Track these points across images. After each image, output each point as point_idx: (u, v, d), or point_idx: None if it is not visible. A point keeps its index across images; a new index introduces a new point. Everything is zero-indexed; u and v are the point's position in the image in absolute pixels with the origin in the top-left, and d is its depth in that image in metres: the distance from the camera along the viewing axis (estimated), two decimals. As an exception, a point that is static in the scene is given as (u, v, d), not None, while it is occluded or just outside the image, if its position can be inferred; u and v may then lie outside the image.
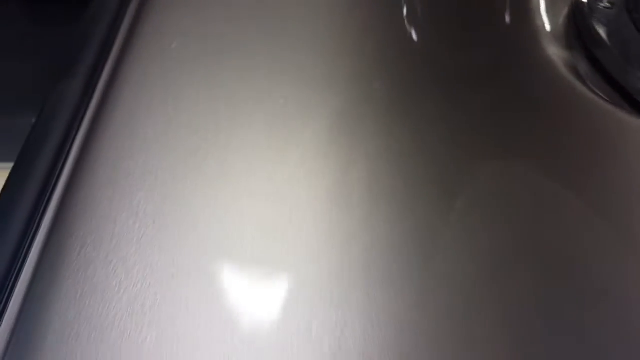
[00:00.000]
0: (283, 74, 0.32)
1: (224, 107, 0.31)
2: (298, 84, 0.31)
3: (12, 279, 0.26)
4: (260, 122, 0.30)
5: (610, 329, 0.24)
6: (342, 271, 0.25)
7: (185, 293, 0.25)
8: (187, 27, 0.35)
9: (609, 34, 0.32)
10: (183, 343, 0.23)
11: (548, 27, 0.34)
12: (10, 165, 0.30)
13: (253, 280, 0.25)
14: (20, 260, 0.26)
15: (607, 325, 0.24)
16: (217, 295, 0.25)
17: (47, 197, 0.28)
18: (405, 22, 0.35)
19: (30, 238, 0.26)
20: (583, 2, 0.34)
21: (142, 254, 0.26)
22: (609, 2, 0.33)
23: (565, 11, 0.35)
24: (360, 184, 0.27)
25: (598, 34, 0.32)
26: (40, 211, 0.28)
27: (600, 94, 0.30)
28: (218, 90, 0.31)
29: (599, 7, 0.33)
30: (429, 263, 0.25)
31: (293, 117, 0.30)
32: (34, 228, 0.27)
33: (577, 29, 0.33)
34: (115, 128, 0.30)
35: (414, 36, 0.35)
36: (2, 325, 0.24)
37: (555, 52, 0.32)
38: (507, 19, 0.35)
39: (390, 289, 0.24)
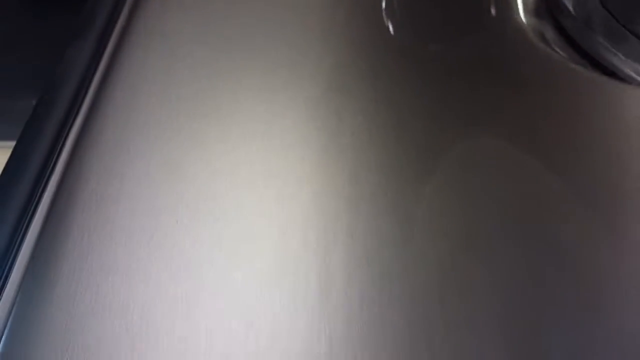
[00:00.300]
0: (275, 67, 0.34)
1: (222, 71, 0.33)
2: (290, 77, 0.33)
3: (26, 221, 0.28)
4: (261, 112, 0.32)
5: (588, 303, 0.25)
6: (326, 237, 0.27)
7: (187, 227, 0.27)
8: (187, 10, 0.37)
9: (574, 6, 0.35)
10: (186, 265, 0.26)
11: (520, 1, 0.37)
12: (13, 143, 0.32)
13: (249, 220, 0.28)
14: (34, 203, 0.28)
15: (585, 300, 0.25)
16: (216, 230, 0.27)
17: (57, 153, 0.30)
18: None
19: (44, 180, 0.29)
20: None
21: (146, 200, 0.28)
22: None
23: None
24: (345, 170, 0.29)
25: (565, 5, 0.35)
26: (53, 160, 0.30)
27: (564, 56, 0.33)
28: (217, 55, 0.34)
29: (566, -18, 0.36)
30: (408, 239, 0.26)
31: (281, 112, 0.32)
32: (49, 170, 0.29)
33: (546, 2, 0.36)
34: (118, 101, 0.32)
35: (392, 15, 0.37)
36: (18, 260, 0.27)
37: (525, 22, 0.35)
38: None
39: (370, 265, 0.26)
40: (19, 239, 0.27)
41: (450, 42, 0.35)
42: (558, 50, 0.33)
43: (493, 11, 0.37)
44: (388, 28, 0.36)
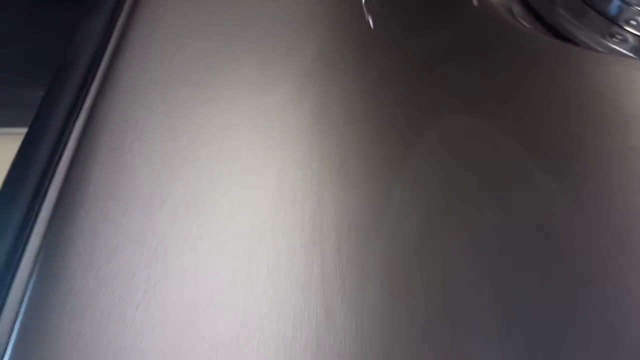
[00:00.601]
0: (272, 61, 0.36)
1: (222, 63, 0.36)
2: (285, 70, 0.35)
3: (43, 192, 0.30)
4: (258, 103, 0.34)
5: (567, 273, 0.27)
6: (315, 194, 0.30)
7: (192, 202, 0.30)
8: (189, 3, 0.39)
9: (538, -18, 0.38)
10: (195, 231, 0.29)
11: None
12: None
13: (250, 200, 0.30)
14: (50, 175, 0.30)
15: (565, 271, 0.27)
16: (218, 183, 0.30)
17: (70, 129, 0.32)
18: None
19: (59, 154, 0.31)
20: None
21: (155, 171, 0.31)
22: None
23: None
24: (335, 158, 0.31)
25: (529, -18, 0.38)
26: (67, 136, 0.32)
27: (530, 28, 0.36)
28: (216, 47, 0.36)
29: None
30: (390, 216, 0.29)
31: (277, 102, 0.34)
32: (63, 146, 0.32)
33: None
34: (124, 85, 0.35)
35: (372, 9, 0.39)
36: (36, 227, 0.29)
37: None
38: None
39: (358, 237, 0.28)
40: (37, 208, 0.29)
41: (431, 31, 0.38)
42: (524, 23, 0.37)
43: (475, 1, 0.40)
44: (368, 22, 0.38)
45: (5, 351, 0.26)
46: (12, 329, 0.26)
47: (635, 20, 0.37)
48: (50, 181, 0.30)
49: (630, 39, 0.37)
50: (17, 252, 0.27)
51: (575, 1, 0.37)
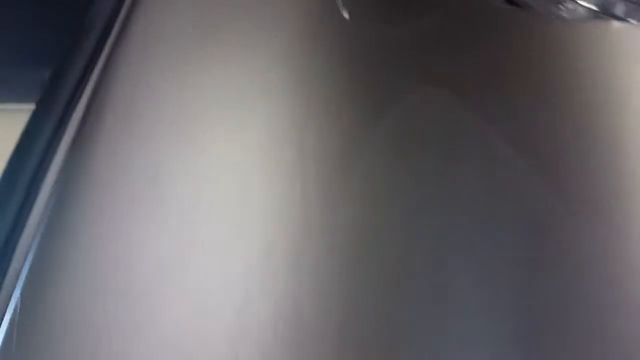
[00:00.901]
0: (267, 44, 0.40)
1: (230, 41, 0.40)
2: (281, 53, 0.39)
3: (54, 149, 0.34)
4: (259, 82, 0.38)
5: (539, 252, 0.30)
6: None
7: (192, 157, 0.34)
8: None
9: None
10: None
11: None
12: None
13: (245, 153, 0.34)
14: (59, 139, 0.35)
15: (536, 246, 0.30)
16: (214, 123, 0.34)
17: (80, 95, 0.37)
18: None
19: (67, 121, 0.35)
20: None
21: (160, 130, 0.35)
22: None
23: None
24: (311, 131, 0.35)
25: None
26: (77, 101, 0.36)
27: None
28: (221, 9, 0.41)
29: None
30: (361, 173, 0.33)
31: (269, 80, 0.37)
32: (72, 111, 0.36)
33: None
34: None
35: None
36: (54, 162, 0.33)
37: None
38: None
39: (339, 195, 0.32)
40: (56, 145, 0.33)
41: (406, 16, 0.42)
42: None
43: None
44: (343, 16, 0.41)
45: (22, 268, 0.30)
46: (30, 244, 0.30)
47: (584, -8, 0.42)
48: (68, 122, 0.34)
49: (580, 10, 0.42)
50: (38, 178, 0.32)
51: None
